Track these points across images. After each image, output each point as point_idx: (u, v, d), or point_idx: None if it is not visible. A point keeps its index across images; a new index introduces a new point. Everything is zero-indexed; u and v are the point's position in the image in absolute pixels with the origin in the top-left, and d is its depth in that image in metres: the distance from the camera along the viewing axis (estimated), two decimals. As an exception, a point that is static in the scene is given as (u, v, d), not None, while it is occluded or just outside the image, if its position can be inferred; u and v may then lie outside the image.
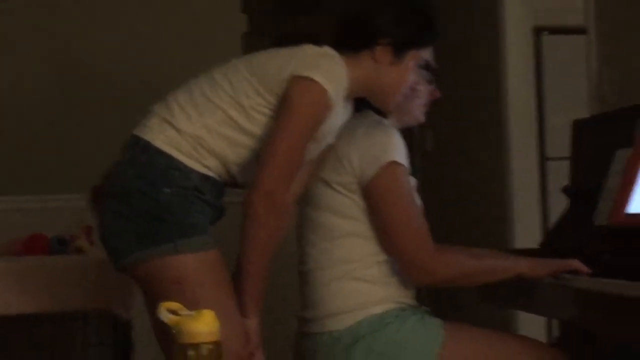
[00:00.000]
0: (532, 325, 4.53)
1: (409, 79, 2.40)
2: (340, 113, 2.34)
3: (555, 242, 2.97)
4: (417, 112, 2.58)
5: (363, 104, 2.48)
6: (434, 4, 2.54)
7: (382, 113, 2.50)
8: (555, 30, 5.43)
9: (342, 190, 2.39)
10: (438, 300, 2.57)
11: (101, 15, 4.26)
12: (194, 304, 1.73)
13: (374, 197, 2.36)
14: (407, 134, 2.57)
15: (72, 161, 3.92)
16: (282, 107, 2.22)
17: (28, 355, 3.37)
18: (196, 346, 1.52)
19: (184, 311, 1.58)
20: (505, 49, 4.84)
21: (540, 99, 5.26)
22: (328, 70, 2.24)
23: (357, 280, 2.39)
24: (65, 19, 4.24)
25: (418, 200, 2.43)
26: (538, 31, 5.27)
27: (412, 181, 2.44)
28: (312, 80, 2.20)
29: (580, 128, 3.21)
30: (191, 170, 2.23)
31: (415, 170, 2.51)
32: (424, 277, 2.39)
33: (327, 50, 2.31)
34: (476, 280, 2.51)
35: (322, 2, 6.84)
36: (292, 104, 2.20)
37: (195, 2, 4.34)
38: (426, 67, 2.54)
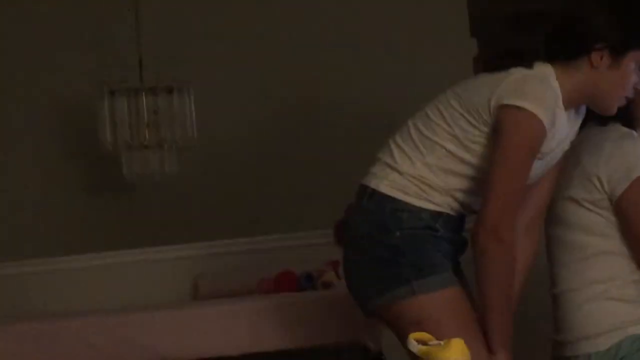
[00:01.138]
0: None
1: (630, 82, 2.29)
2: (564, 125, 2.28)
3: None
4: None
5: (609, 117, 2.40)
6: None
7: (630, 124, 2.41)
8: None
9: (593, 207, 2.32)
10: None
11: (326, 50, 4.31)
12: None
13: (625, 213, 2.28)
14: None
15: (317, 198, 3.99)
16: (496, 138, 2.19)
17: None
18: (450, 377, 1.51)
19: (433, 341, 1.57)
20: None
21: None
22: (538, 94, 2.20)
23: (614, 300, 2.31)
24: (289, 57, 4.32)
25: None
26: None
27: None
28: (522, 109, 2.16)
29: None
30: (421, 210, 2.23)
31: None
32: None
33: (535, 71, 2.25)
34: None
35: (545, 17, 6.70)
36: (504, 135, 2.17)
37: (425, 28, 4.35)
38: None
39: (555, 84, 2.23)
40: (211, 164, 4.19)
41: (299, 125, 4.29)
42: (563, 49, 2.28)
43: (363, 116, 4.16)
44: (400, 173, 2.24)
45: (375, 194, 2.25)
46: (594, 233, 2.33)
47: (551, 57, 2.28)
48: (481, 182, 2.23)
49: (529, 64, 2.26)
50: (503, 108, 2.16)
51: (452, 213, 2.27)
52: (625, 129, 2.38)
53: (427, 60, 4.22)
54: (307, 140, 4.28)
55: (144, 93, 4.01)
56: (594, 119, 2.40)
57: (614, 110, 2.32)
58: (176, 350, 3.01)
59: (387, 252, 2.21)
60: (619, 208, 2.29)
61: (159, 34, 4.20)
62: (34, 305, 3.59)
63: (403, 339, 1.84)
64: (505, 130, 2.16)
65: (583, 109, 2.37)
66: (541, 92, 2.20)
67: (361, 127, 4.08)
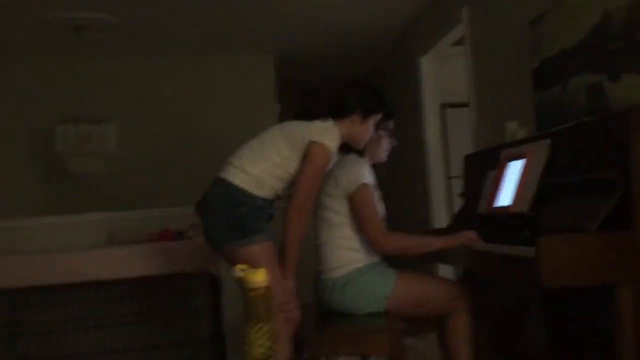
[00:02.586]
0: (446, 272, 4.53)
1: (370, 132, 2.42)
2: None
3: (456, 224, 2.98)
4: (383, 155, 2.60)
5: (349, 149, 2.51)
6: (386, 93, 2.55)
7: (360, 154, 2.52)
8: (453, 105, 5.45)
9: (337, 198, 2.40)
10: (395, 260, 2.58)
11: (194, 110, 4.27)
12: (257, 272, 1.75)
13: (353, 203, 2.37)
14: (374, 166, 2.59)
15: (185, 187, 3.92)
16: (306, 158, 2.24)
17: (173, 298, 3.37)
18: (255, 289, 1.53)
19: (248, 270, 1.59)
20: (425, 117, 4.88)
21: (445, 143, 5.28)
22: (330, 137, 2.27)
23: (347, 249, 2.39)
24: (181, 102, 4.26)
25: (380, 205, 2.44)
26: (443, 105, 5.29)
27: (377, 193, 2.45)
28: (322, 144, 2.24)
29: (468, 159, 3.23)
30: (257, 197, 2.25)
31: (379, 187, 2.52)
32: (380, 250, 2.40)
33: (328, 124, 2.33)
34: (412, 252, 2.45)
35: (320, 92, 6.97)
36: (311, 157, 2.23)
37: (249, 97, 4.37)
38: (389, 130, 2.58)
39: (338, 133, 2.31)
40: (124, 167, 4.05)
41: (178, 146, 4.21)
42: (338, 112, 2.37)
43: (210, 145, 4.13)
44: (246, 173, 2.25)
45: (231, 185, 2.25)
46: (336, 212, 2.41)
47: (332, 116, 2.36)
48: (291, 182, 2.28)
49: (324, 119, 2.35)
50: (312, 143, 2.23)
51: (271, 198, 2.30)
52: (357, 157, 2.48)
53: (250, 116, 4.24)
54: (181, 155, 4.21)
55: (83, 122, 3.86)
56: (341, 151, 2.50)
57: (361, 146, 2.45)
58: (99, 274, 2.91)
59: (236, 218, 2.21)
60: (350, 200, 2.38)
61: (94, 86, 4.04)
62: (14, 247, 3.40)
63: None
64: (312, 155, 2.22)
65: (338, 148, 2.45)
66: (333, 135, 2.28)
67: (208, 152, 4.06)
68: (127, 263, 2.93)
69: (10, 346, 3.22)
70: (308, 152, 2.24)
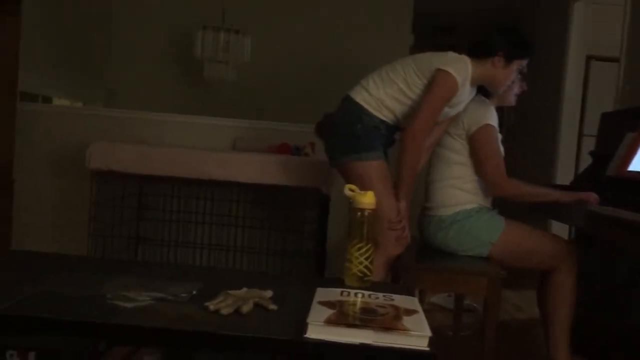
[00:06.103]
0: (559, 230, 4.38)
1: (511, 78, 2.35)
2: (467, 92, 2.33)
3: (580, 183, 2.85)
4: (511, 98, 2.50)
5: (478, 91, 2.44)
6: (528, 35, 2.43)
7: (486, 95, 2.45)
8: (600, 59, 5.07)
9: (457, 137, 2.38)
10: (505, 207, 2.51)
11: (334, 37, 4.25)
12: (368, 189, 1.79)
13: (474, 142, 2.34)
14: (500, 111, 2.52)
15: (308, 106, 3.99)
16: (430, 85, 2.23)
17: (282, 209, 3.52)
18: (362, 210, 1.57)
19: (357, 190, 1.62)
20: (568, 67, 4.61)
21: (585, 98, 4.96)
22: (459, 68, 2.23)
23: (459, 189, 2.38)
24: (315, 27, 4.27)
25: (501, 148, 2.38)
26: (589, 58, 4.93)
27: (499, 136, 2.38)
28: (448, 72, 2.20)
29: (606, 118, 3.04)
30: (375, 117, 2.29)
31: (502, 132, 2.44)
32: (498, 192, 2.36)
33: (462, 56, 2.29)
34: (528, 199, 2.44)
35: (456, 28, 6.71)
36: (435, 84, 2.21)
37: (387, 26, 4.29)
38: (520, 71, 2.46)
39: (469, 67, 2.27)
40: (255, 79, 4.18)
41: (307, 66, 4.26)
42: (479, 52, 2.32)
43: (338, 68, 4.13)
44: (369, 93, 2.30)
45: (352, 100, 2.32)
46: (455, 151, 2.39)
47: (471, 55, 2.32)
48: (411, 109, 2.28)
49: (459, 53, 2.31)
50: (438, 70, 2.22)
51: (391, 123, 2.33)
52: (483, 98, 2.43)
53: (383, 43, 4.18)
54: (308, 75, 4.25)
55: (222, 31, 3.98)
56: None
57: (500, 92, 2.40)
58: (220, 174, 3.08)
59: (352, 135, 2.28)
60: (470, 140, 2.34)
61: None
62: (148, 138, 3.63)
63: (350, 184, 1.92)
64: (436, 82, 2.21)
65: (475, 89, 2.40)
66: (461, 67, 2.25)
67: (335, 74, 4.06)
68: (247, 169, 3.08)
69: (135, 225, 3.56)
70: (432, 79, 2.23)
